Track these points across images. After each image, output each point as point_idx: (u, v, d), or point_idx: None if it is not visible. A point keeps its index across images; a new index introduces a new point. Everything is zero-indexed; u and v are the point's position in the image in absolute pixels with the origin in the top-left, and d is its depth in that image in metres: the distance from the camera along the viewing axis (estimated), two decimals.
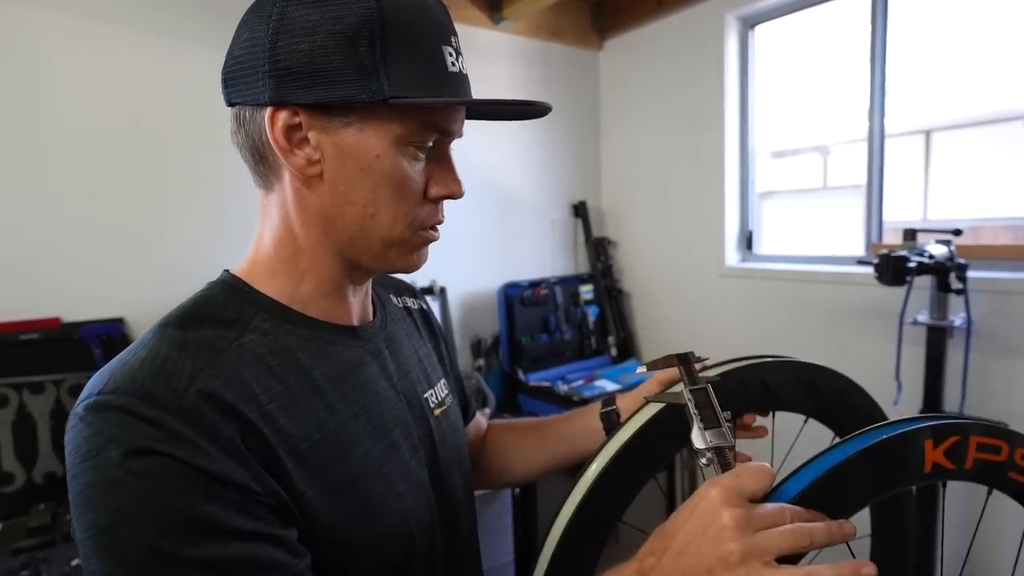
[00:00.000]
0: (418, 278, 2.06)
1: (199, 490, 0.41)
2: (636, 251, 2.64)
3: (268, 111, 0.48)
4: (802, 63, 2.14)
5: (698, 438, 0.51)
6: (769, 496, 0.44)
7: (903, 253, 1.40)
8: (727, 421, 0.53)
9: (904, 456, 0.45)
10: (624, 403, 0.73)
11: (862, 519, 0.48)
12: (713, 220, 2.26)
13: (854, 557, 0.52)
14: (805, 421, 0.71)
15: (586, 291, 2.55)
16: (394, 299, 0.72)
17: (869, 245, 1.90)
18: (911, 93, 1.84)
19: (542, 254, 2.58)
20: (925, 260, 1.41)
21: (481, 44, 2.31)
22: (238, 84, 0.50)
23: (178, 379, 0.44)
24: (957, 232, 1.52)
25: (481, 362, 2.32)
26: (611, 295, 2.62)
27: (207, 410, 0.43)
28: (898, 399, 1.59)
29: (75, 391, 1.50)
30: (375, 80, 0.47)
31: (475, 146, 2.19)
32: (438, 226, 0.57)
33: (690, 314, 2.40)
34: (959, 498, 1.48)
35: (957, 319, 1.50)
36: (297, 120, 0.49)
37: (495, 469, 0.83)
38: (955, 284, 1.46)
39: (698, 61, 2.25)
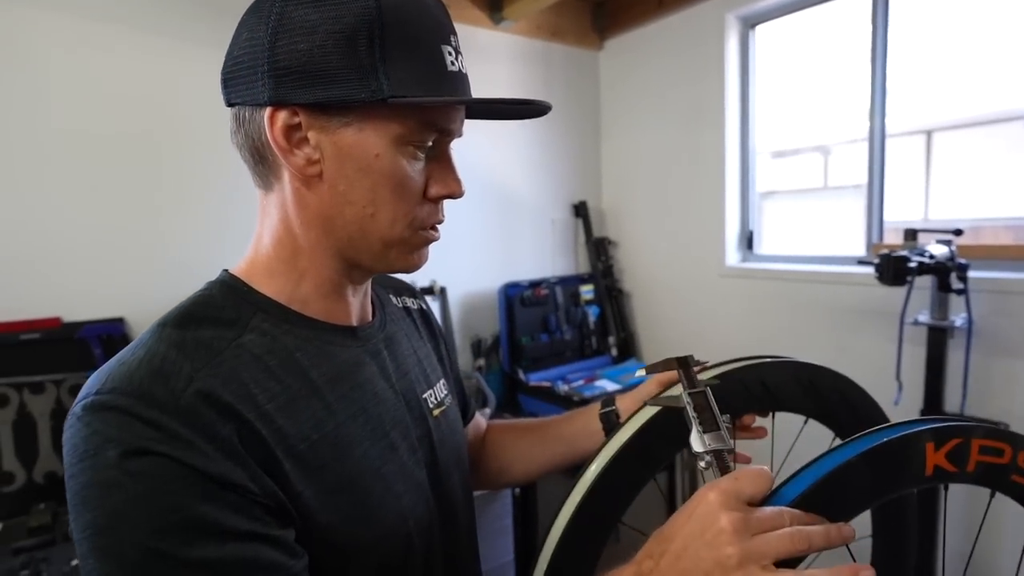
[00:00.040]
0: (418, 278, 2.06)
1: (196, 490, 0.41)
2: (636, 251, 2.63)
3: (267, 111, 0.48)
4: (803, 63, 2.14)
5: (697, 441, 0.51)
6: (768, 499, 0.44)
7: (904, 253, 1.40)
8: (726, 424, 0.53)
9: (905, 459, 0.45)
10: (623, 404, 0.73)
11: (863, 520, 0.47)
12: (714, 220, 2.26)
13: (854, 559, 0.51)
14: (805, 422, 0.70)
15: (586, 291, 2.55)
16: (394, 299, 0.72)
17: (870, 245, 1.90)
18: (912, 93, 1.84)
19: (542, 254, 2.58)
20: (926, 260, 1.41)
21: (481, 44, 2.31)
22: (237, 84, 0.50)
23: (176, 379, 0.43)
24: (958, 232, 1.52)
25: (481, 362, 2.32)
26: (611, 295, 2.61)
27: (205, 410, 0.43)
28: (899, 399, 1.59)
29: (75, 391, 1.50)
30: (374, 79, 0.47)
31: (475, 146, 2.19)
32: (438, 226, 0.57)
33: (691, 314, 2.40)
34: (960, 499, 1.48)
35: (958, 319, 1.50)
36: (296, 120, 0.49)
37: (494, 469, 0.83)
38: (956, 284, 1.46)
39: (699, 61, 2.25)
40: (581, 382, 2.26)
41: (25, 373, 1.47)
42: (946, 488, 0.49)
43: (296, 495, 0.47)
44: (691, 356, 0.65)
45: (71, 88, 1.56)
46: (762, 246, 2.28)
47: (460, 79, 0.52)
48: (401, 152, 0.51)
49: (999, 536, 1.54)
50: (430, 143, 0.53)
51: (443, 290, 2.21)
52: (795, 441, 0.72)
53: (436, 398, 0.66)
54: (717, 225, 2.25)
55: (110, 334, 1.59)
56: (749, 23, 2.17)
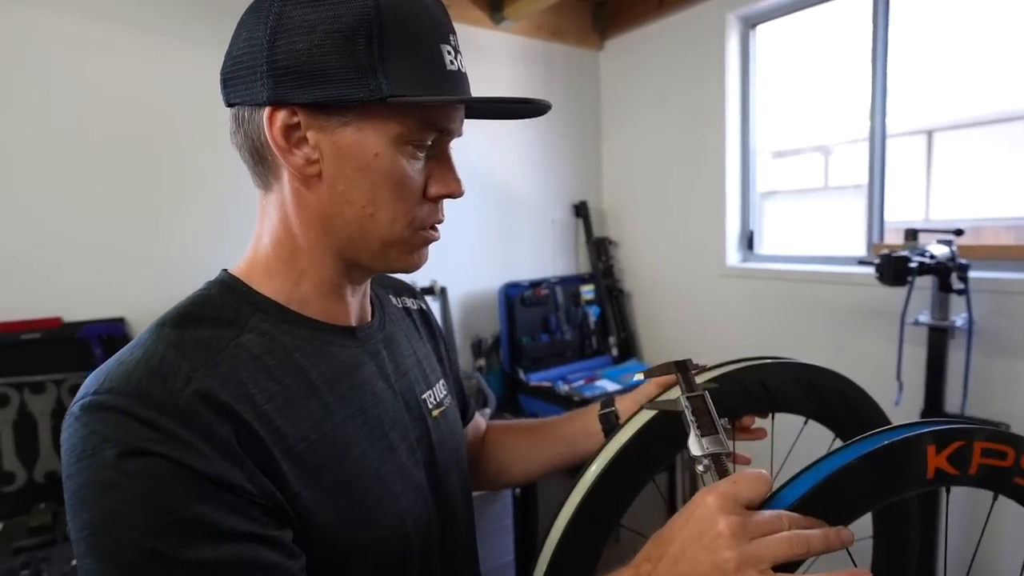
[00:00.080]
0: (419, 278, 2.06)
1: (193, 491, 0.41)
2: (637, 251, 2.63)
3: (266, 111, 0.48)
4: (803, 63, 2.14)
5: (695, 445, 0.51)
6: (767, 503, 0.44)
7: (904, 253, 1.40)
8: (724, 427, 0.53)
9: (906, 462, 0.45)
10: (623, 405, 0.73)
11: (864, 522, 0.47)
12: (714, 220, 2.26)
13: (854, 562, 0.51)
14: (805, 423, 0.70)
15: (587, 291, 2.55)
16: (393, 299, 0.72)
17: (870, 245, 1.90)
18: (913, 93, 1.84)
19: (543, 254, 2.58)
20: (926, 260, 1.40)
21: (482, 44, 2.31)
22: (237, 84, 0.50)
23: (174, 379, 0.43)
24: (959, 232, 1.52)
25: (482, 362, 2.32)
26: (612, 295, 2.61)
27: (203, 411, 0.43)
28: (899, 399, 1.59)
29: (76, 391, 1.49)
30: (373, 79, 0.47)
31: (476, 146, 2.19)
32: (438, 226, 0.57)
33: (691, 314, 2.40)
34: (960, 502, 1.48)
35: (959, 319, 1.50)
36: (295, 120, 0.49)
37: (494, 470, 0.83)
38: (956, 284, 1.45)
39: (699, 61, 2.24)
40: (581, 382, 2.26)
41: (26, 373, 1.47)
42: (948, 491, 0.49)
43: (294, 495, 0.47)
44: (689, 360, 0.65)
45: (71, 88, 1.56)
46: (763, 246, 2.28)
47: (459, 78, 0.52)
48: (400, 151, 0.51)
49: (1000, 537, 1.54)
50: (429, 142, 0.53)
51: (443, 290, 2.21)
52: (795, 442, 0.72)
53: (435, 399, 0.66)
54: (718, 225, 2.25)
55: (110, 334, 1.59)
56: (750, 23, 2.17)
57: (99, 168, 1.60)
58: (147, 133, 1.67)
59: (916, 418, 1.53)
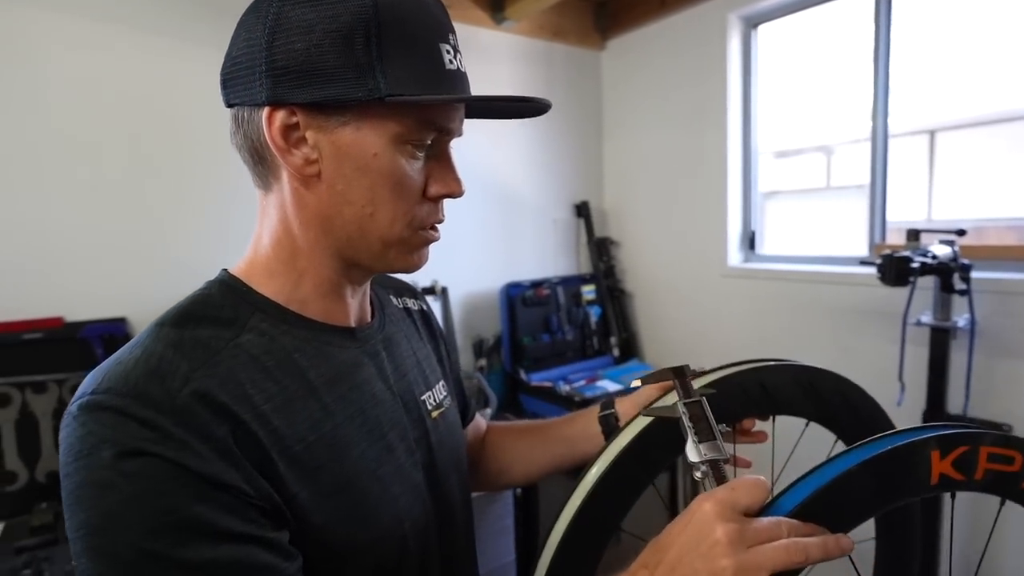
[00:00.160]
0: (420, 278, 2.06)
1: (190, 492, 0.41)
2: (638, 251, 2.63)
3: (265, 111, 0.48)
4: (805, 63, 2.13)
5: (692, 451, 0.51)
6: (766, 509, 0.44)
7: (906, 253, 1.39)
8: (723, 432, 0.53)
9: (909, 467, 0.44)
10: (623, 407, 0.73)
11: (866, 524, 0.47)
12: (716, 220, 2.26)
13: (855, 568, 0.51)
14: (806, 425, 0.70)
15: (588, 291, 2.54)
16: (394, 300, 0.72)
17: (872, 245, 1.89)
18: (915, 93, 1.83)
19: (544, 254, 2.58)
20: (928, 260, 1.40)
21: (483, 44, 2.31)
22: (236, 85, 0.50)
23: (172, 379, 0.43)
24: (961, 232, 1.51)
25: (483, 362, 2.32)
26: (613, 295, 2.61)
27: (200, 411, 0.43)
28: (901, 400, 1.58)
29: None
30: (371, 78, 0.47)
31: (477, 146, 2.19)
32: (438, 226, 0.57)
33: (693, 314, 2.39)
34: (962, 506, 1.47)
35: (961, 320, 1.49)
36: (294, 120, 0.49)
37: (494, 471, 0.83)
38: (959, 285, 1.45)
39: (701, 61, 2.24)
40: (583, 382, 2.25)
41: (27, 372, 1.47)
42: (953, 496, 0.48)
43: (291, 496, 0.47)
44: (686, 366, 0.64)
45: (72, 88, 1.56)
46: (764, 246, 2.28)
47: (459, 77, 0.52)
48: (400, 151, 0.51)
49: (1005, 542, 1.53)
50: (429, 142, 0.52)
51: (444, 290, 2.21)
52: (796, 445, 0.72)
53: (435, 400, 0.66)
54: (719, 225, 2.25)
55: (112, 334, 1.59)
56: (751, 23, 2.17)
57: (100, 168, 1.60)
58: (148, 133, 1.67)
59: (918, 419, 1.54)
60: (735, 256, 2.25)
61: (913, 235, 1.52)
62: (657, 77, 2.44)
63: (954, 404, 1.53)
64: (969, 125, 2.03)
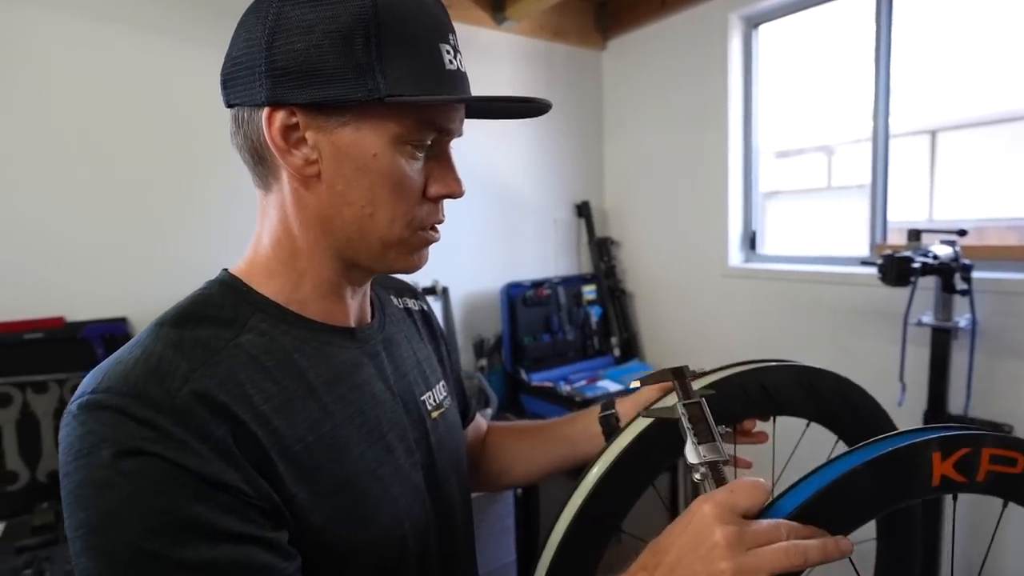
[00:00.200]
0: (420, 278, 2.06)
1: (189, 491, 0.41)
2: (639, 251, 2.63)
3: (265, 111, 0.48)
4: (806, 62, 2.13)
5: (692, 453, 0.51)
6: (765, 511, 0.43)
7: (907, 253, 1.39)
8: (723, 433, 0.53)
9: (910, 469, 0.44)
10: (623, 407, 0.72)
11: (867, 525, 0.47)
12: (716, 220, 2.25)
13: (856, 569, 0.51)
14: (807, 425, 0.70)
15: (589, 291, 2.54)
16: (395, 300, 0.72)
17: (873, 245, 1.89)
18: (916, 92, 1.83)
19: (545, 254, 2.58)
20: (929, 261, 1.40)
21: (484, 44, 2.31)
22: (236, 85, 0.50)
23: (171, 379, 0.43)
24: (962, 232, 1.51)
25: (483, 362, 2.32)
26: (614, 295, 2.61)
27: (199, 410, 0.43)
28: (902, 400, 1.58)
29: None
30: (371, 78, 0.47)
31: (478, 146, 2.19)
32: (438, 226, 0.57)
33: (693, 315, 2.39)
34: (964, 507, 1.47)
35: (962, 320, 1.49)
36: (294, 120, 0.49)
37: (495, 471, 0.83)
38: (960, 285, 1.45)
39: (702, 61, 2.24)
40: (583, 383, 2.25)
41: (28, 372, 1.47)
42: (955, 498, 0.48)
43: (290, 497, 0.46)
44: (686, 367, 0.64)
45: (74, 88, 1.56)
46: (765, 246, 2.27)
47: (459, 78, 0.52)
48: (399, 151, 0.51)
49: (1007, 544, 1.53)
50: (429, 142, 0.52)
51: (445, 290, 2.21)
52: (796, 446, 0.72)
53: (435, 400, 0.66)
54: (720, 225, 2.25)
55: (113, 334, 1.59)
56: (752, 23, 2.17)
57: (101, 168, 1.61)
58: (149, 133, 1.67)
59: (919, 420, 1.54)
60: (736, 256, 2.25)
61: (914, 235, 1.52)
62: (658, 77, 2.44)
63: (955, 405, 1.52)
64: (970, 125, 2.02)
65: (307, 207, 0.52)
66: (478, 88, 0.54)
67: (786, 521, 0.42)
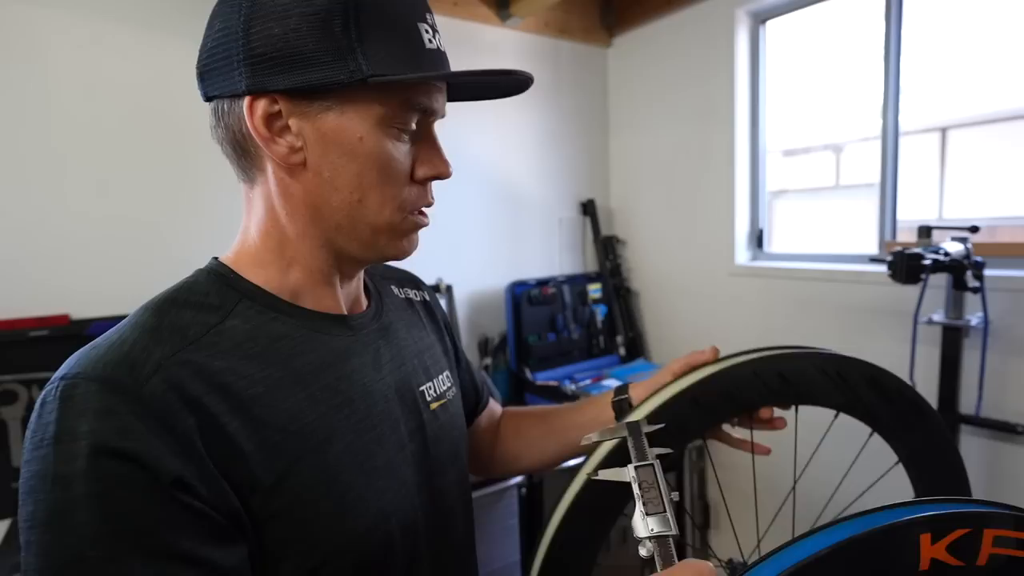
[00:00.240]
0: (425, 276, 2.05)
1: (138, 497, 0.39)
2: (645, 250, 2.61)
3: (246, 100, 0.47)
4: (814, 59, 2.11)
5: (639, 525, 0.45)
6: None
7: (918, 250, 1.36)
8: (674, 501, 0.47)
9: (890, 554, 0.38)
10: (636, 392, 0.71)
11: None
12: (723, 218, 2.24)
13: None
14: (835, 416, 0.68)
15: (594, 290, 2.53)
16: (395, 290, 0.71)
17: (883, 243, 1.87)
18: (926, 89, 1.81)
19: (550, 252, 2.57)
20: (940, 258, 1.37)
21: (489, 41, 2.30)
22: (214, 76, 0.49)
23: (142, 366, 0.42)
24: (974, 229, 1.48)
25: (488, 361, 2.31)
26: (619, 294, 2.59)
27: (168, 399, 0.42)
28: None
29: None
30: (352, 60, 0.46)
31: (482, 144, 2.18)
32: (427, 211, 0.56)
33: (700, 313, 2.37)
34: None
35: (974, 318, 1.47)
36: (276, 107, 0.48)
37: (510, 456, 0.83)
38: (972, 282, 1.42)
39: (708, 58, 2.22)
40: (588, 381, 2.24)
41: (34, 369, 1.48)
42: None
43: (267, 490, 0.45)
44: (642, 420, 0.61)
45: (79, 86, 1.57)
46: (772, 245, 2.25)
47: (439, 56, 0.51)
48: (386, 134, 0.50)
49: None
50: (413, 124, 0.52)
51: (450, 288, 2.20)
52: (823, 438, 0.69)
53: (435, 391, 0.65)
54: (727, 223, 2.23)
55: None
56: (759, 19, 2.15)
57: (108, 165, 1.61)
58: (154, 130, 1.67)
59: None
60: (743, 254, 2.23)
61: (925, 232, 1.49)
62: (664, 74, 2.42)
63: (966, 404, 1.50)
64: (981, 122, 2.00)
65: (294, 196, 0.51)
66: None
67: None
